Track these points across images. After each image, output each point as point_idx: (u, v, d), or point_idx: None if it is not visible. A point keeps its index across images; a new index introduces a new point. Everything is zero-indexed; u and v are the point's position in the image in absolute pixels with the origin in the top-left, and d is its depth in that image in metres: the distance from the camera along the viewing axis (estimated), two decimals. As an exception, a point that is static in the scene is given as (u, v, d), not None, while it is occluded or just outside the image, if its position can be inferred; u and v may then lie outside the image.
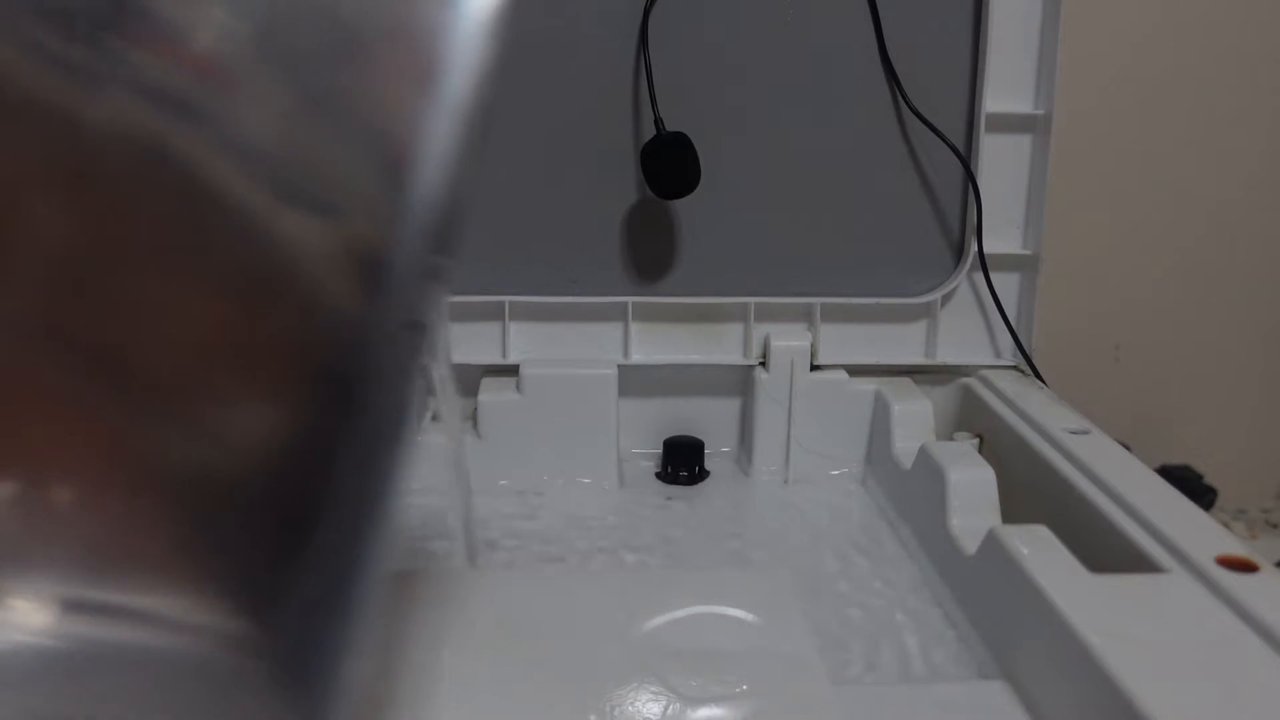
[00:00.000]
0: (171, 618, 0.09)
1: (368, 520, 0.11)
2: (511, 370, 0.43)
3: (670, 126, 0.41)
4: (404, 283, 0.11)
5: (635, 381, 0.44)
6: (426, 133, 0.11)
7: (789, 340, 0.44)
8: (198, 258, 0.09)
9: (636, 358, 0.44)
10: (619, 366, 0.43)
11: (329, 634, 0.10)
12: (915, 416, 0.42)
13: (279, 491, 0.10)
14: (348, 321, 0.11)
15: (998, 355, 0.45)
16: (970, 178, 0.43)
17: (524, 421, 0.42)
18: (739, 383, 0.45)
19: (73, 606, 0.08)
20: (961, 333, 0.45)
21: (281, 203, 0.10)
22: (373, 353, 0.11)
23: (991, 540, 0.31)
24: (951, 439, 0.43)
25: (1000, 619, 0.30)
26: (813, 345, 0.44)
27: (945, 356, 0.45)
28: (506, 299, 0.43)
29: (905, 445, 0.41)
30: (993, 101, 0.43)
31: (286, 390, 0.10)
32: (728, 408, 0.45)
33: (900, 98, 0.43)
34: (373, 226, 0.11)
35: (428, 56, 0.11)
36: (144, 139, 0.09)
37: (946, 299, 0.45)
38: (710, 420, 0.45)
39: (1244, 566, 0.27)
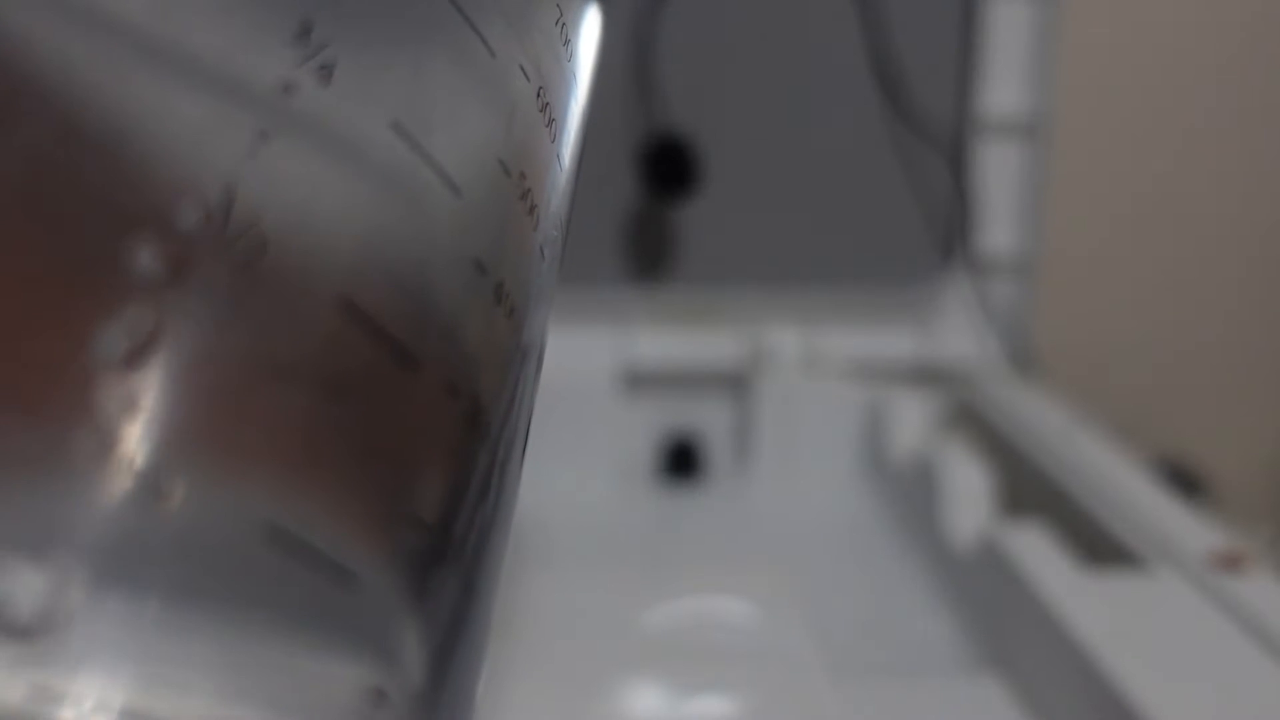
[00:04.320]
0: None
1: (493, 542, 0.11)
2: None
3: (670, 127, 0.42)
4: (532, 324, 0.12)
5: (635, 381, 0.44)
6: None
7: (787, 340, 0.44)
8: None
9: (636, 358, 0.44)
10: (619, 366, 0.43)
11: (465, 663, 0.10)
12: (912, 416, 0.42)
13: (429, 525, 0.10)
14: (478, 356, 0.11)
15: (995, 355, 0.45)
16: (967, 179, 0.44)
17: (524, 421, 0.42)
18: (738, 383, 0.45)
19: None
20: (960, 332, 0.45)
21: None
22: (498, 383, 0.11)
23: (988, 539, 0.31)
24: (949, 439, 0.43)
25: (997, 617, 0.30)
26: (811, 345, 0.44)
27: (943, 356, 0.45)
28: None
29: (902, 445, 0.41)
30: (990, 102, 0.43)
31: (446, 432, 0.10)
32: (727, 408, 0.45)
33: (894, 101, 0.43)
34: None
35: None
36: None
37: (945, 299, 0.45)
38: (710, 420, 0.45)
39: (1242, 565, 0.27)
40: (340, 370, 0.09)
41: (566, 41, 0.12)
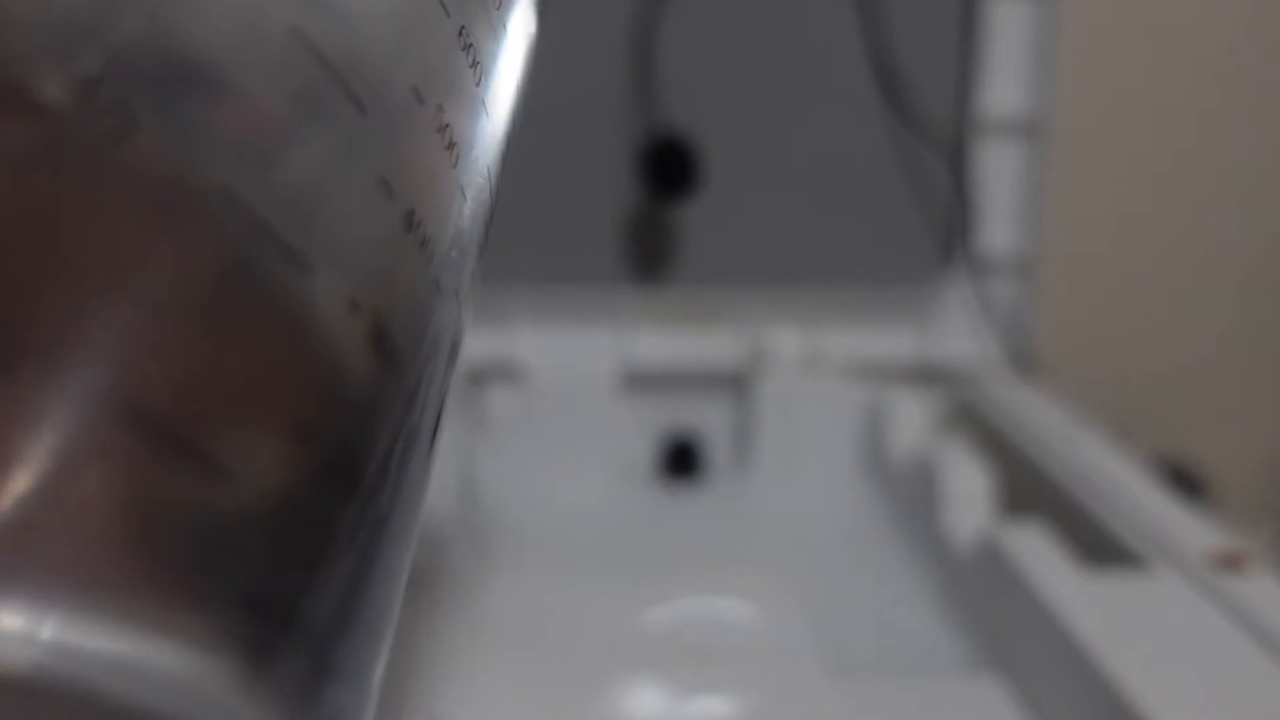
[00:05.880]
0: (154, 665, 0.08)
1: (405, 493, 0.10)
2: (511, 370, 0.43)
3: (670, 127, 0.42)
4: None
5: (635, 381, 0.44)
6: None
7: (787, 340, 0.44)
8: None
9: (636, 358, 0.44)
10: (619, 366, 0.44)
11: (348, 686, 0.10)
12: (913, 416, 0.42)
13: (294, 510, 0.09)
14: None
15: (995, 355, 0.45)
16: (967, 179, 0.44)
17: (523, 421, 0.42)
18: (738, 382, 0.45)
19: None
20: (960, 332, 0.45)
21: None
22: (409, 315, 0.10)
23: (988, 539, 0.31)
24: (949, 439, 0.43)
25: (996, 617, 0.30)
26: (811, 345, 0.44)
27: (943, 356, 0.45)
28: (505, 298, 0.43)
29: (902, 445, 0.41)
30: (990, 102, 0.43)
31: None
32: (727, 408, 0.45)
33: (894, 101, 0.43)
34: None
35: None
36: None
37: (945, 299, 0.45)
38: (710, 420, 0.45)
39: (1242, 564, 0.27)
40: (216, 262, 0.08)
41: None
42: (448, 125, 0.11)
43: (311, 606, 0.09)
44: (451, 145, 0.11)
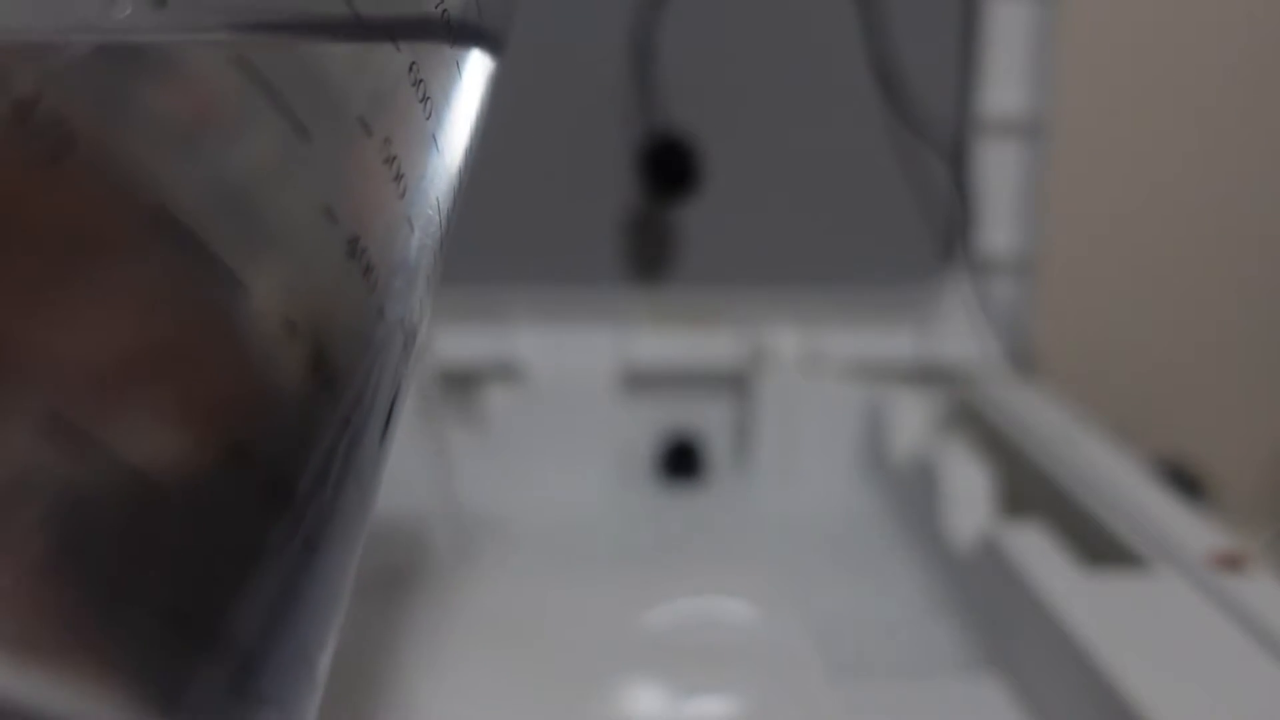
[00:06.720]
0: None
1: (340, 511, 0.10)
2: (510, 370, 0.43)
3: (670, 127, 0.42)
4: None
5: (635, 381, 0.44)
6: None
7: (787, 340, 0.44)
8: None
9: (636, 358, 0.44)
10: (619, 366, 0.43)
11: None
12: (913, 416, 0.42)
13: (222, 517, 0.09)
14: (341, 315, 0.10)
15: (995, 355, 0.45)
16: (967, 179, 0.44)
17: (523, 421, 0.42)
18: (738, 383, 0.45)
19: None
20: (960, 332, 0.45)
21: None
22: (349, 342, 0.10)
23: (987, 539, 0.31)
24: (949, 439, 0.43)
25: (997, 617, 0.30)
26: (811, 345, 0.44)
27: (943, 356, 0.45)
28: (505, 298, 0.43)
29: (902, 445, 0.41)
30: (990, 102, 0.43)
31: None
32: (727, 408, 0.45)
33: (894, 101, 0.43)
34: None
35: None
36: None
37: (945, 299, 0.45)
38: (710, 420, 0.45)
39: (1242, 565, 0.27)
40: (149, 283, 0.08)
41: (448, 25, 0.12)
42: (395, 157, 0.11)
43: (234, 627, 0.09)
44: (399, 177, 0.11)
